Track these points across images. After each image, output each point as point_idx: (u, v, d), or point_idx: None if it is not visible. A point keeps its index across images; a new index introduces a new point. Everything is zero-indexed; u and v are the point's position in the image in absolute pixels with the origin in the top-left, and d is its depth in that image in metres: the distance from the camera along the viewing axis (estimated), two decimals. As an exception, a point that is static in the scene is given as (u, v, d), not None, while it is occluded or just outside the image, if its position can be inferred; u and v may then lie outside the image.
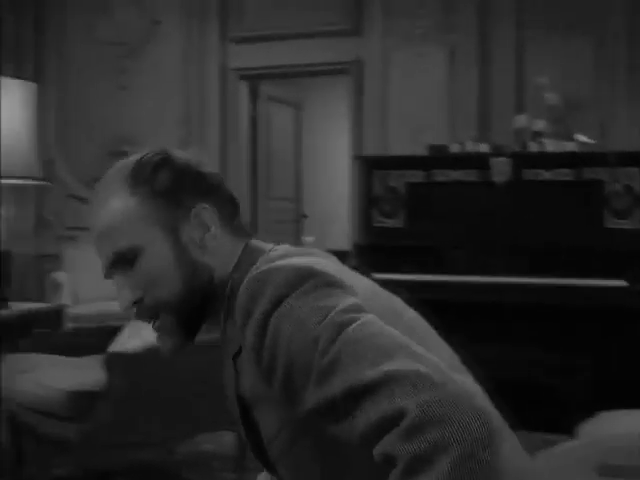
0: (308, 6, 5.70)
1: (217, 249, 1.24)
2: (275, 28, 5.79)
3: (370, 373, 0.94)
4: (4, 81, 3.42)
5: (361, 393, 0.94)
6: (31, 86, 3.49)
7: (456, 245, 4.13)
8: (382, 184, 4.33)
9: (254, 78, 6.20)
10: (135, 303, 1.21)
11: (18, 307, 3.41)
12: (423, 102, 5.33)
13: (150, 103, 6.04)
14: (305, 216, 7.55)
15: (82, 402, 2.79)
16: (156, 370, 2.76)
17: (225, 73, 6.01)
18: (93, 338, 3.23)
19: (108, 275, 1.24)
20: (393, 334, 1.00)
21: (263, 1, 5.85)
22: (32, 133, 3.42)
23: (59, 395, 2.81)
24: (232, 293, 1.19)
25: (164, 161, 1.25)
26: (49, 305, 3.63)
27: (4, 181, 3.32)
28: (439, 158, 4.43)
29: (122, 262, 1.20)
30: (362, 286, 1.15)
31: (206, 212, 1.24)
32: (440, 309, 2.53)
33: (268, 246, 1.25)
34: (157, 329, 1.23)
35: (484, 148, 4.46)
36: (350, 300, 1.05)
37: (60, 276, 5.50)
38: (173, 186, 1.23)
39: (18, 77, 6.09)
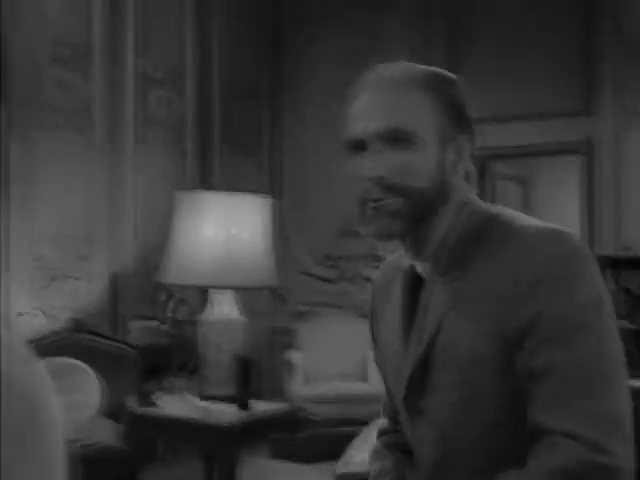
0: (537, 87, 5.67)
1: (458, 180, 1.36)
2: (501, 110, 5.79)
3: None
4: (246, 198, 3.65)
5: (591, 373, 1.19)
6: (269, 201, 3.71)
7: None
8: (616, 283, 4.20)
9: (483, 157, 6.21)
10: (380, 178, 1.30)
11: (257, 408, 3.59)
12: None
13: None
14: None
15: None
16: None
17: (452, 154, 6.06)
18: (326, 445, 3.34)
19: (369, 142, 1.33)
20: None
21: (489, 84, 5.87)
22: (270, 244, 3.62)
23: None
24: (468, 233, 1.33)
25: (459, 82, 1.39)
26: (287, 407, 3.79)
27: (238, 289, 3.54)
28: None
29: (392, 139, 1.30)
30: None
31: (467, 144, 1.37)
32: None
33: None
34: (383, 209, 1.31)
35: None
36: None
37: (294, 356, 5.69)
38: (461, 107, 1.36)
39: (252, 152, 6.51)
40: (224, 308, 3.63)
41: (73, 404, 3.91)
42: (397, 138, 1.31)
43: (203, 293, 4.66)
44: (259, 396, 4.27)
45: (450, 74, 1.39)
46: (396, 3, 6.22)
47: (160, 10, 5.80)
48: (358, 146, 1.35)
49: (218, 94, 6.20)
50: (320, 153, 6.54)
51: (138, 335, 5.41)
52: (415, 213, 1.32)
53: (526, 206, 7.17)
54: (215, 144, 6.21)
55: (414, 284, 1.43)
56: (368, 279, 6.00)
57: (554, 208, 7.95)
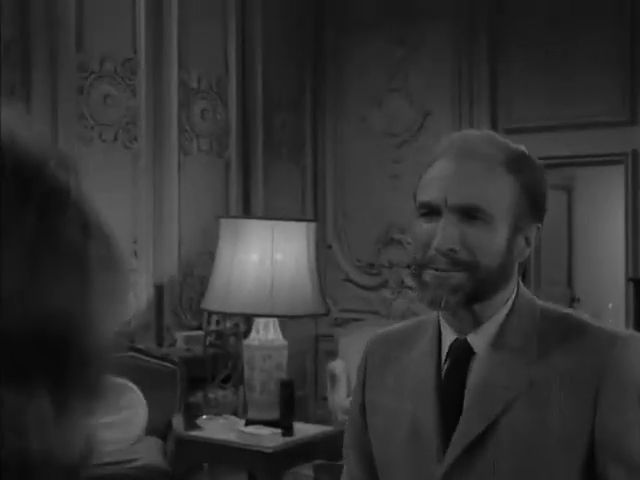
0: (578, 97, 5.62)
1: (518, 265, 1.38)
2: (545, 119, 5.75)
3: None
4: (290, 224, 3.69)
5: None
6: (313, 226, 3.74)
7: None
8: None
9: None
10: (450, 251, 1.30)
11: (302, 432, 3.64)
12: None
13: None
14: (577, 299, 7.38)
15: None
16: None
17: (495, 163, 6.04)
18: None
19: (445, 211, 1.32)
20: None
21: (533, 92, 5.84)
22: (315, 270, 3.66)
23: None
24: (517, 315, 1.36)
25: (541, 167, 1.39)
26: (331, 430, 3.82)
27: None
28: None
29: (469, 215, 1.30)
30: None
31: (536, 233, 1.37)
32: None
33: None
34: (446, 281, 1.30)
35: None
36: None
37: (337, 366, 5.73)
38: (540, 195, 1.37)
39: (295, 162, 6.54)
40: (269, 333, 3.67)
41: (121, 423, 3.99)
42: (474, 215, 1.31)
43: (248, 317, 4.72)
44: (305, 419, 4.32)
45: (533, 158, 1.39)
46: (438, 11, 6.19)
47: (203, 22, 5.84)
48: (432, 212, 1.34)
49: (261, 104, 6.23)
50: (363, 162, 6.56)
51: (183, 346, 5.49)
52: (477, 289, 1.32)
53: (570, 216, 7.11)
54: (258, 154, 6.26)
55: (461, 358, 1.40)
56: (410, 287, 6.02)
57: (598, 218, 7.90)
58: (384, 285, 6.52)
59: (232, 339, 5.50)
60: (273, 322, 3.69)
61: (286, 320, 3.88)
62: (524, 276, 4.99)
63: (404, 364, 1.47)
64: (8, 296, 0.50)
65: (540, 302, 1.40)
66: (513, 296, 1.38)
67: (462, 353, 1.39)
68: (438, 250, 1.30)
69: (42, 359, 0.51)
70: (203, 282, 5.26)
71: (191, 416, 3.91)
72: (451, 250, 1.30)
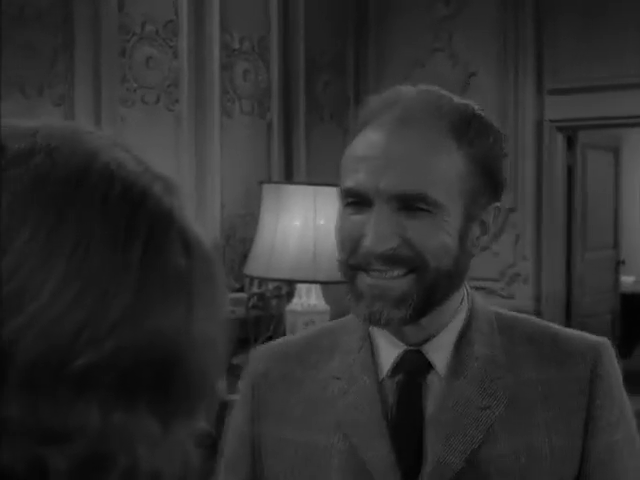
0: (626, 56, 5.49)
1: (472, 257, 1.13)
2: (592, 80, 5.64)
3: None
4: (333, 190, 3.67)
5: None
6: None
7: None
8: None
9: (571, 129, 6.08)
10: (389, 250, 1.05)
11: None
12: None
13: (464, 153, 6.13)
14: (623, 262, 7.27)
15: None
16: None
17: (541, 124, 5.95)
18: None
19: (378, 202, 1.05)
20: None
21: (579, 53, 5.71)
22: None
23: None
24: (473, 321, 1.13)
25: (500, 133, 1.13)
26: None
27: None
28: None
29: (407, 205, 1.06)
30: None
31: (495, 215, 1.13)
32: None
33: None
34: (387, 292, 1.05)
35: None
36: None
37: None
38: (498, 169, 1.11)
39: (337, 123, 6.49)
40: (311, 299, 3.67)
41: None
42: (416, 206, 1.05)
43: (290, 283, 4.73)
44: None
45: (487, 119, 1.12)
46: (484, -31, 6.06)
47: (245, -17, 5.79)
48: (361, 202, 1.07)
49: (303, 65, 6.18)
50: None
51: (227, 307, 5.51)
52: (427, 299, 1.07)
53: (616, 177, 6.99)
54: (300, 115, 6.22)
55: (415, 376, 1.13)
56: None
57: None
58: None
59: (274, 302, 5.51)
60: (315, 287, 3.68)
61: (328, 285, 3.88)
62: (569, 241, 4.91)
63: (315, 388, 1.17)
64: (117, 319, 0.51)
65: (490, 306, 1.18)
66: (466, 300, 1.15)
67: (417, 369, 1.12)
68: (370, 253, 1.05)
69: (148, 378, 0.53)
70: (245, 244, 5.28)
71: (234, 377, 3.94)
72: (391, 250, 1.05)
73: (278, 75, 6.02)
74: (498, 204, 1.13)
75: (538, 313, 5.71)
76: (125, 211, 0.53)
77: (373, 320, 1.07)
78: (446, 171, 1.06)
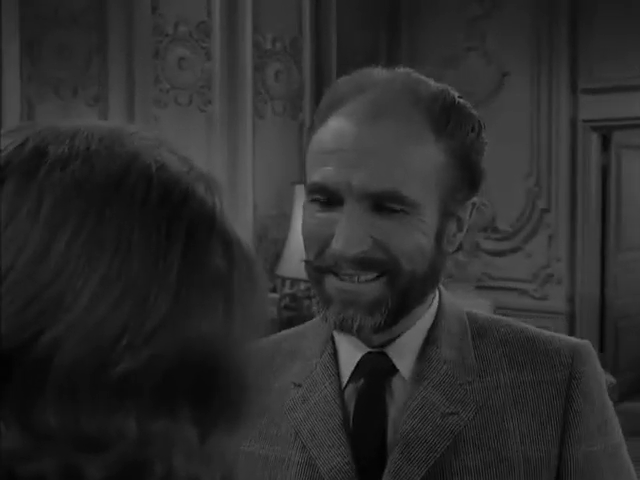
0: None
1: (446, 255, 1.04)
2: (626, 79, 5.58)
3: None
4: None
5: None
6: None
7: None
8: None
9: (605, 129, 6.02)
10: (360, 254, 0.96)
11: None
12: None
13: (497, 153, 6.09)
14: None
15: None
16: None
17: (575, 124, 5.90)
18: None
19: (349, 200, 0.95)
20: None
21: (613, 52, 5.66)
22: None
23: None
24: (438, 322, 1.04)
25: (479, 119, 1.02)
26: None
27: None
28: None
29: (380, 204, 0.96)
30: None
31: (472, 209, 1.04)
32: None
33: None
34: (358, 298, 0.97)
35: None
36: None
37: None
38: (477, 161, 1.02)
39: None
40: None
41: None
42: (390, 206, 0.96)
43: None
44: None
45: (466, 106, 1.02)
46: (518, -33, 6.02)
47: (277, -17, 5.80)
48: (330, 199, 0.98)
49: (335, 66, 6.18)
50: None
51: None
52: (401, 304, 0.98)
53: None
54: (332, 116, 6.21)
55: (378, 379, 1.04)
56: (485, 251, 5.94)
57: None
58: (458, 247, 6.45)
59: (306, 302, 5.51)
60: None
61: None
62: (603, 242, 4.84)
63: (272, 394, 1.09)
64: (157, 324, 0.50)
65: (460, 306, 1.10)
66: (436, 298, 1.07)
67: (379, 372, 1.03)
68: (340, 256, 0.96)
69: (187, 384, 0.51)
70: (277, 245, 5.29)
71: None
72: (362, 253, 0.96)
73: (310, 75, 6.03)
74: (475, 199, 1.04)
75: (571, 314, 5.66)
76: (165, 213, 0.52)
77: (344, 327, 0.98)
78: (423, 166, 0.96)
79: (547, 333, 1.08)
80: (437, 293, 1.07)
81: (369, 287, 0.97)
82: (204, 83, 5.36)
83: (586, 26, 5.75)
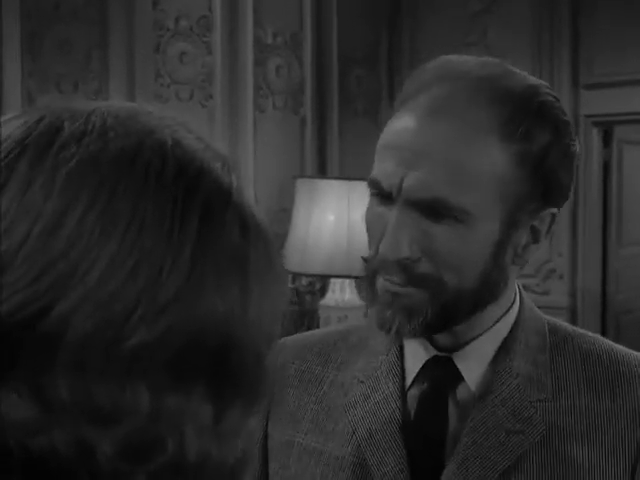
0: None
1: (518, 268, 0.97)
2: (628, 74, 5.58)
3: None
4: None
5: None
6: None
7: None
8: None
9: (607, 124, 6.01)
10: (403, 260, 0.92)
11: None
12: None
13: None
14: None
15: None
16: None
17: (576, 119, 5.89)
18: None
19: (398, 201, 0.91)
20: None
21: (615, 47, 5.65)
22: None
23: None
24: (522, 335, 0.98)
25: (555, 114, 0.93)
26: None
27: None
28: None
29: (432, 212, 0.91)
30: None
31: (551, 220, 0.96)
32: None
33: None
34: (397, 299, 0.94)
35: None
36: None
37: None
38: (554, 159, 0.92)
39: (371, 118, 6.47)
40: (345, 294, 3.67)
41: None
42: (441, 212, 0.91)
43: (324, 278, 4.73)
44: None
45: (558, 108, 0.92)
46: (519, -38, 6.01)
47: (278, -22, 5.79)
48: (384, 196, 0.95)
49: (336, 60, 6.17)
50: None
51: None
52: (443, 316, 0.93)
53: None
54: (333, 110, 6.21)
55: (442, 385, 0.99)
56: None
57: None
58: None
59: (308, 297, 5.51)
60: (349, 283, 3.68)
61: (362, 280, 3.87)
62: (605, 237, 4.85)
63: (334, 388, 1.04)
64: (170, 298, 0.50)
65: (545, 316, 1.03)
66: (516, 306, 1.01)
67: (444, 378, 0.99)
68: (384, 259, 0.93)
69: (202, 362, 0.52)
70: (278, 239, 5.28)
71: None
72: (406, 260, 0.92)
73: (311, 70, 6.02)
74: (555, 210, 0.95)
75: (573, 309, 5.66)
76: (180, 188, 0.52)
77: (383, 327, 0.95)
78: (482, 172, 0.89)
79: (633, 354, 1.00)
80: (518, 300, 1.01)
81: (412, 291, 0.93)
82: (205, 78, 5.35)
83: (587, 21, 5.75)
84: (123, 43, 4.96)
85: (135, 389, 0.49)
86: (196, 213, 0.52)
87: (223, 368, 0.52)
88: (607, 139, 6.20)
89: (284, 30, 5.85)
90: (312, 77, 6.02)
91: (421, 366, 1.00)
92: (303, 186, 3.71)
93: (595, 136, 5.97)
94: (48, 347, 0.48)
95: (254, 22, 5.63)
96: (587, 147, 5.87)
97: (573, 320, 5.55)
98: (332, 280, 3.73)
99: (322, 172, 5.93)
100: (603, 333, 5.99)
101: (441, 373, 0.98)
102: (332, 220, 3.50)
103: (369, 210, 0.98)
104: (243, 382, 0.54)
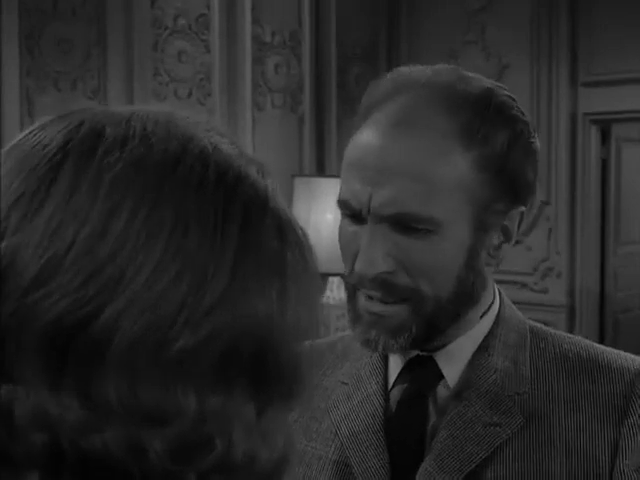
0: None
1: (491, 268, 0.99)
2: (626, 72, 5.59)
3: None
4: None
5: None
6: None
7: None
8: None
9: (605, 122, 6.02)
10: (382, 275, 0.93)
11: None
12: None
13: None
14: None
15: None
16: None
17: (575, 117, 5.90)
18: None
19: (370, 220, 0.93)
20: None
21: (613, 45, 5.66)
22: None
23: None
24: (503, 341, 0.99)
25: (512, 114, 0.94)
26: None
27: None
28: None
29: (403, 226, 0.92)
30: None
31: (520, 218, 0.97)
32: None
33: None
34: (381, 320, 0.95)
35: None
36: None
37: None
38: (521, 172, 0.94)
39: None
40: (343, 292, 3.67)
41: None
42: (413, 225, 0.92)
43: (323, 276, 4.73)
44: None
45: (514, 109, 0.94)
46: (518, -40, 6.01)
47: (277, -24, 5.79)
48: (354, 215, 0.95)
49: (335, 58, 6.18)
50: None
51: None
52: (427, 328, 0.95)
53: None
54: (332, 109, 6.21)
55: (423, 383, 1.01)
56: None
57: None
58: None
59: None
60: (347, 281, 3.69)
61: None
62: (603, 235, 4.84)
63: (320, 395, 1.07)
64: (214, 302, 0.51)
65: (526, 319, 1.04)
66: (496, 305, 1.03)
67: (425, 376, 1.01)
68: (362, 277, 0.94)
69: (243, 363, 0.53)
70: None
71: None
72: (384, 274, 0.93)
73: (310, 68, 6.02)
74: (523, 208, 0.97)
75: (571, 308, 5.67)
76: (221, 194, 0.53)
77: (369, 347, 0.97)
78: (448, 181, 0.90)
79: (616, 351, 1.02)
80: (497, 302, 1.03)
81: (394, 310, 0.94)
82: (203, 76, 5.35)
83: (586, 19, 5.75)
84: (122, 41, 4.96)
85: (182, 391, 0.50)
86: (236, 218, 0.53)
87: (262, 368, 0.54)
88: (605, 137, 6.20)
89: (283, 28, 5.86)
90: (311, 75, 6.02)
91: (403, 366, 1.02)
92: (301, 184, 3.71)
93: (593, 134, 5.97)
94: (97, 350, 0.49)
95: (252, 20, 5.63)
96: (585, 145, 5.88)
97: (571, 318, 5.56)
98: (330, 279, 3.73)
99: (320, 170, 5.94)
100: (601, 331, 5.99)
101: (422, 372, 1.00)
102: (330, 219, 3.51)
103: (342, 230, 0.99)
104: (281, 381, 0.55)
